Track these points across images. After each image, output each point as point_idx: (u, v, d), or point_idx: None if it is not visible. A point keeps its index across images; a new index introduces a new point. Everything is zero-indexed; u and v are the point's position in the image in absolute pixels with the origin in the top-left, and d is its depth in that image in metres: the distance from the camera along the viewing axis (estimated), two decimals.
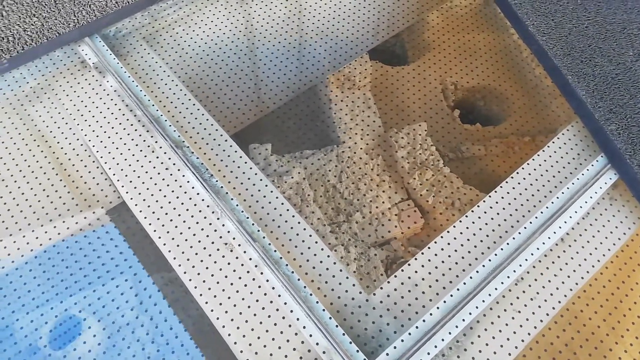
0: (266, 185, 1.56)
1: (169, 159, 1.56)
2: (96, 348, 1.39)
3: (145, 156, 1.58)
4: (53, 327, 1.41)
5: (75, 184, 1.59)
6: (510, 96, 2.29)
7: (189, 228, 1.48)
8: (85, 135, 1.63)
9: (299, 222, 1.50)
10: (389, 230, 1.90)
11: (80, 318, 1.42)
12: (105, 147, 1.62)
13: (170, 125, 1.61)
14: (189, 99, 1.69)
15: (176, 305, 1.65)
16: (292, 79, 1.96)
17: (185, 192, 1.52)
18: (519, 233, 1.49)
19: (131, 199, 1.54)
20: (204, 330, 1.64)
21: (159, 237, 1.48)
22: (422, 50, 2.44)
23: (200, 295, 1.40)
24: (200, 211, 1.50)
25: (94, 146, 1.62)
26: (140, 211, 1.53)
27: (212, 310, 1.37)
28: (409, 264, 1.45)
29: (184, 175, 1.54)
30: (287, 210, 1.52)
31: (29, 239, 1.50)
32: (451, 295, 1.37)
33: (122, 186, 1.56)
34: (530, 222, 1.50)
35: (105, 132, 1.63)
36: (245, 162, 1.59)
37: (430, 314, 1.35)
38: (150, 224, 1.50)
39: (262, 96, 1.90)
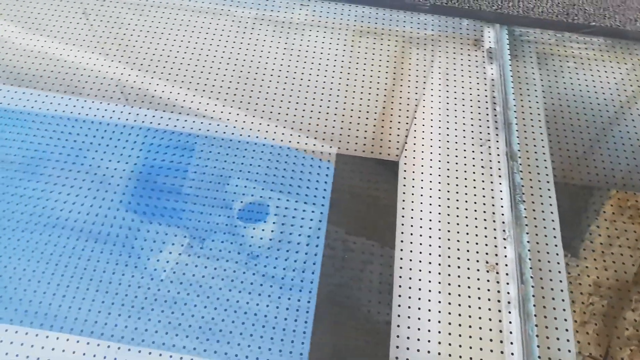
0: (558, 243, 1.48)
1: (498, 162, 1.58)
2: (263, 242, 1.53)
3: (472, 145, 1.63)
4: (247, 203, 1.58)
5: (376, 122, 1.72)
6: None
7: (466, 225, 1.49)
8: (430, 93, 1.75)
9: (570, 299, 1.39)
10: None
11: (268, 212, 1.57)
12: (437, 114, 1.70)
13: (517, 137, 1.62)
14: (546, 127, 1.68)
15: (327, 264, 1.67)
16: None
17: (492, 198, 1.53)
18: None
19: (405, 163, 1.61)
20: (335, 299, 1.65)
21: (410, 209, 1.52)
22: None
23: (411, 278, 1.41)
24: (494, 221, 1.49)
25: (429, 103, 1.72)
26: (403, 178, 1.58)
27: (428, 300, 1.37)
28: None
29: (500, 184, 1.54)
30: (561, 281, 1.42)
31: (285, 134, 1.69)
32: None
33: (411, 147, 1.63)
34: None
35: (456, 103, 1.72)
36: (555, 213, 1.53)
37: None
38: (416, 196, 1.55)
39: (606, 170, 1.79)
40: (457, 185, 1.57)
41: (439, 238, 1.47)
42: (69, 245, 1.50)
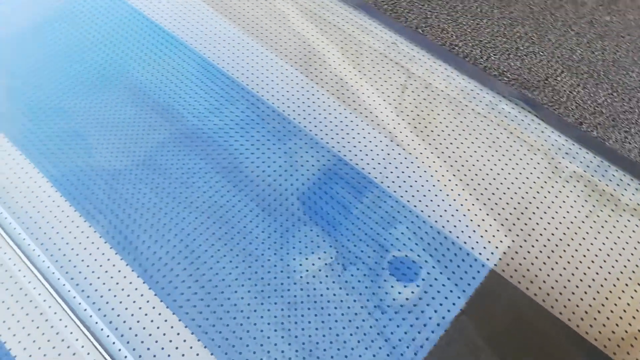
0: None
1: None
2: (396, 299, 1.42)
3: None
4: (397, 258, 1.48)
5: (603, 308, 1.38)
6: None
7: None
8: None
9: None
10: None
11: (417, 274, 1.46)
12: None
13: None
14: None
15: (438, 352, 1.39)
16: None
17: None
18: None
19: None
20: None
21: None
22: None
23: None
24: None
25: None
26: None
27: None
28: None
29: None
30: None
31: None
32: None
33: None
34: None
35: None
36: None
37: None
38: None
39: None
40: None
41: None
42: (236, 216, 1.56)
